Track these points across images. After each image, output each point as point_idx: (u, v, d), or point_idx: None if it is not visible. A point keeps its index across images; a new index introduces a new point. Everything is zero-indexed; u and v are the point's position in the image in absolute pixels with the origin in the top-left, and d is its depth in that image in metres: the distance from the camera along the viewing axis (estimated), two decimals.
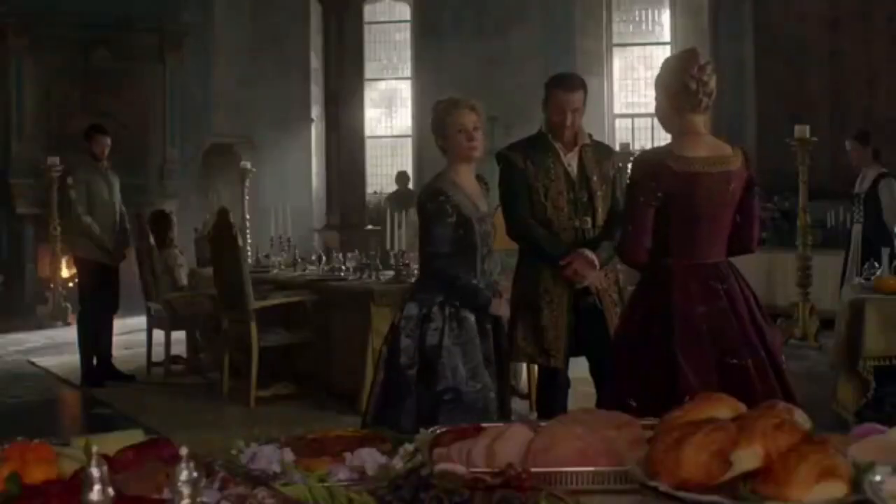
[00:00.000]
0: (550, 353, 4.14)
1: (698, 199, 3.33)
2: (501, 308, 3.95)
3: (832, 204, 10.17)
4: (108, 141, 7.61)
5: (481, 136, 3.88)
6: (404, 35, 14.59)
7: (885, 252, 6.00)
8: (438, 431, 1.98)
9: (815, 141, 8.57)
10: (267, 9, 13.56)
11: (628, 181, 3.51)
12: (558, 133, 4.22)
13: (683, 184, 3.30)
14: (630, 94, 13.78)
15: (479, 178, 4.00)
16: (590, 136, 4.37)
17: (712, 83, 3.37)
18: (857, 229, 8.22)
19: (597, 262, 4.04)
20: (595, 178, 4.22)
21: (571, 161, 4.22)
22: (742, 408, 1.64)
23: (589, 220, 4.19)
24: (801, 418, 1.57)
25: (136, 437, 1.97)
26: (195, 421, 6.26)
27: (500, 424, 1.96)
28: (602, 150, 4.43)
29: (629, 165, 10.64)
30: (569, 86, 4.25)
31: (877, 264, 6.14)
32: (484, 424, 2.00)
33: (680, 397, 3.21)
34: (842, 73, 11.60)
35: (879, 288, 5.75)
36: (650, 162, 3.37)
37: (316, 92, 14.09)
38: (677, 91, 3.35)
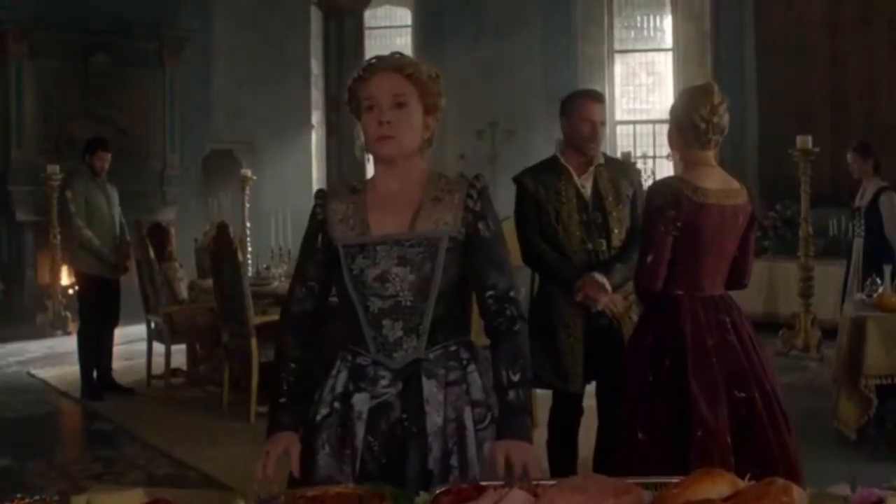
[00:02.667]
0: (568, 378, 4.03)
1: (710, 231, 3.36)
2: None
3: (834, 212, 10.15)
4: (109, 157, 7.61)
5: (410, 115, 2.33)
6: (405, 40, 14.57)
7: (887, 269, 5.98)
8: (438, 491, 1.96)
9: (818, 151, 8.56)
10: (267, 14, 13.53)
11: (645, 209, 3.49)
12: (578, 149, 4.10)
13: (698, 214, 3.33)
14: (632, 101, 13.75)
15: (461, 181, 2.41)
16: (604, 154, 4.28)
17: (724, 121, 3.37)
18: (858, 243, 8.21)
19: (608, 286, 3.91)
20: (610, 199, 4.09)
21: (585, 182, 4.10)
22: (740, 483, 1.63)
23: (604, 241, 4.07)
24: (799, 496, 1.55)
25: (135, 498, 1.96)
26: (195, 437, 6.24)
27: (501, 484, 1.93)
28: (618, 169, 4.29)
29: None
30: (594, 96, 4.22)
31: (878, 280, 6.12)
32: (484, 483, 1.98)
33: (692, 429, 3.24)
34: (843, 78, 11.58)
35: (881, 305, 5.73)
36: (669, 190, 3.37)
37: (316, 97, 14.08)
38: (687, 128, 3.36)
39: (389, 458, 2.27)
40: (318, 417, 2.39)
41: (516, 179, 4.20)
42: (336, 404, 2.37)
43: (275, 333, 6.79)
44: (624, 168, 4.42)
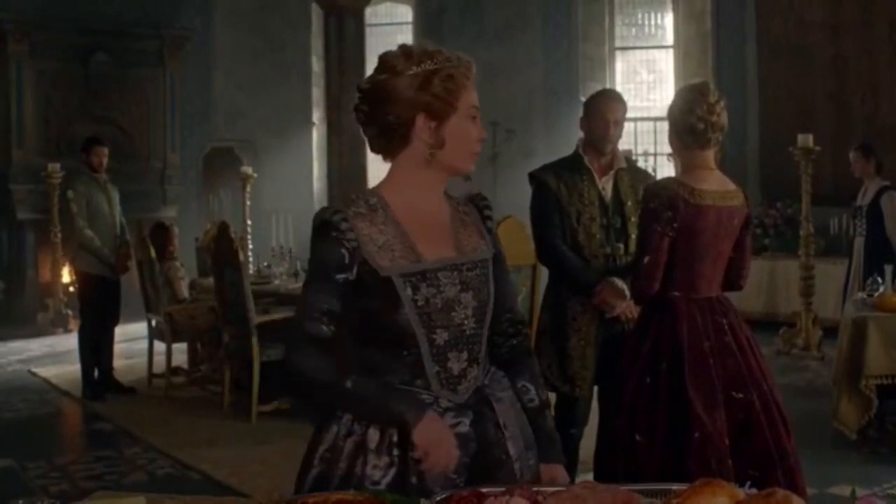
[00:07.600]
0: (575, 382, 4.01)
1: (706, 233, 3.36)
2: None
3: (835, 211, 10.15)
4: (106, 152, 7.62)
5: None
6: (406, 38, 14.55)
7: (888, 269, 5.99)
8: (438, 499, 1.96)
9: (818, 150, 8.56)
10: (267, 13, 13.53)
11: (642, 211, 3.49)
12: (595, 146, 4.06)
13: (694, 216, 3.33)
14: (633, 99, 13.71)
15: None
16: (627, 159, 4.26)
17: (722, 119, 3.36)
18: (858, 242, 8.22)
19: (627, 292, 3.87)
20: (629, 204, 4.05)
21: (606, 185, 4.07)
22: (740, 494, 1.62)
23: (621, 246, 4.04)
24: None
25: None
26: (196, 437, 6.24)
27: (501, 492, 1.93)
28: (638, 175, 4.25)
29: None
30: (612, 95, 4.22)
31: (879, 279, 6.12)
32: (484, 489, 1.98)
33: (690, 432, 3.25)
34: (844, 80, 11.57)
35: (881, 306, 5.74)
36: (666, 192, 3.38)
37: (317, 95, 14.06)
38: (684, 130, 3.36)
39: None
40: (375, 478, 2.09)
41: (535, 176, 4.13)
42: (395, 453, 2.07)
43: (275, 333, 6.77)
44: (644, 175, 4.37)
